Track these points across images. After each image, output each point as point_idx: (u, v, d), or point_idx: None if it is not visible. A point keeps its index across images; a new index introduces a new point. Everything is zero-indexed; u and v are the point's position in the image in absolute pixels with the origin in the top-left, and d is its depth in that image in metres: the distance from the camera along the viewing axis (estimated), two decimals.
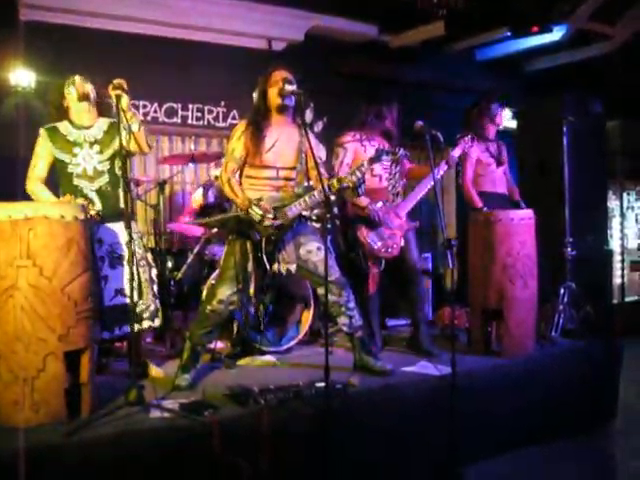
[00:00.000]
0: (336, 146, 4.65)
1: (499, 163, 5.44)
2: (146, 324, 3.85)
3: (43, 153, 3.80)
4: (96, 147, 3.82)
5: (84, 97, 3.79)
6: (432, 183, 4.55)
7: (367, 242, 4.53)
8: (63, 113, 3.86)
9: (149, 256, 4.00)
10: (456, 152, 4.74)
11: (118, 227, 3.78)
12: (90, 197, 3.78)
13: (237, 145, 3.88)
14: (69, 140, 3.81)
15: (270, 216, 3.80)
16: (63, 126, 3.84)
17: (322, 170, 3.77)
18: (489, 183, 5.45)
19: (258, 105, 3.93)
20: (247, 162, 3.91)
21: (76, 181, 3.79)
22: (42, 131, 3.81)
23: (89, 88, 3.79)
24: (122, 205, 3.75)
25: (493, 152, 5.46)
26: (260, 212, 3.77)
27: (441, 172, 4.67)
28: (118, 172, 3.85)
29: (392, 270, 4.63)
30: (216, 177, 5.27)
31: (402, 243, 4.60)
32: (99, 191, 3.81)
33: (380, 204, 4.57)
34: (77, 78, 3.79)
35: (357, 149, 4.59)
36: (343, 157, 4.57)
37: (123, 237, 3.77)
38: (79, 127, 3.84)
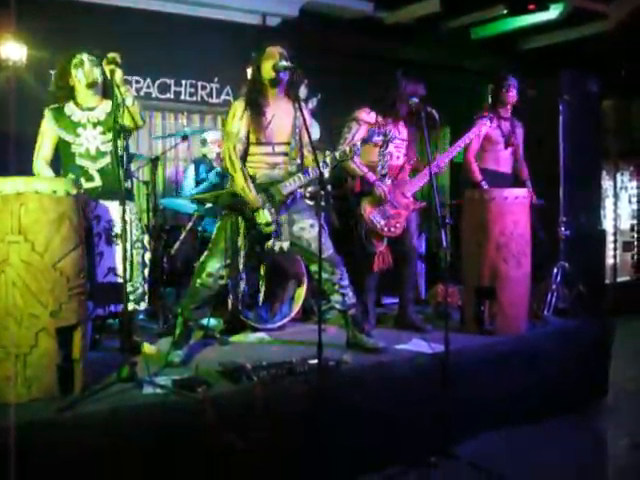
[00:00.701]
0: (352, 120, 4.59)
1: (507, 144, 5.38)
2: (131, 306, 3.84)
3: (48, 133, 3.81)
4: (99, 128, 3.82)
5: (92, 84, 3.78)
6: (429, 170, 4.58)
7: (370, 220, 4.51)
8: (68, 93, 3.84)
9: (145, 238, 3.99)
10: (471, 134, 4.74)
11: (117, 205, 3.76)
12: (93, 176, 3.78)
13: (240, 125, 3.81)
14: (73, 120, 3.81)
15: (273, 227, 3.79)
16: (67, 107, 3.83)
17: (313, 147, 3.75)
18: (493, 161, 5.41)
19: (253, 80, 3.88)
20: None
21: (79, 161, 3.80)
22: (47, 112, 3.82)
23: (97, 73, 3.74)
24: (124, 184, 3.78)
25: (505, 131, 5.38)
26: (268, 219, 3.76)
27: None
28: (120, 152, 3.83)
29: (392, 248, 4.64)
30: (218, 155, 5.23)
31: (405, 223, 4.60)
32: (101, 171, 3.81)
33: (388, 181, 4.55)
34: (86, 62, 3.74)
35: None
36: (355, 132, 4.51)
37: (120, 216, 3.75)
38: (83, 108, 3.84)
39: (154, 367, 3.54)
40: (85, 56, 3.75)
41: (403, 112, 4.57)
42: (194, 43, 6.41)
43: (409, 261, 4.69)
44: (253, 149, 3.87)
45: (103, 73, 3.54)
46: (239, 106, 3.84)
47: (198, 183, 5.46)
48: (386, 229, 4.53)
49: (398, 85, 4.55)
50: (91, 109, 3.84)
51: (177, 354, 3.77)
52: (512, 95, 5.36)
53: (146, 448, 2.85)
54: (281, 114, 3.89)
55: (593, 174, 7.18)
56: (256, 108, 3.81)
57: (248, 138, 3.85)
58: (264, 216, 3.77)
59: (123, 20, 6.10)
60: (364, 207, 4.54)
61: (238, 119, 3.82)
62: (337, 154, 3.87)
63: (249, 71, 3.95)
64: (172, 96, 6.56)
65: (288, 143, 3.91)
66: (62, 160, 3.84)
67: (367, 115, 4.56)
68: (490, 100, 5.44)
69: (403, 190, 4.61)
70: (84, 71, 3.76)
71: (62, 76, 3.84)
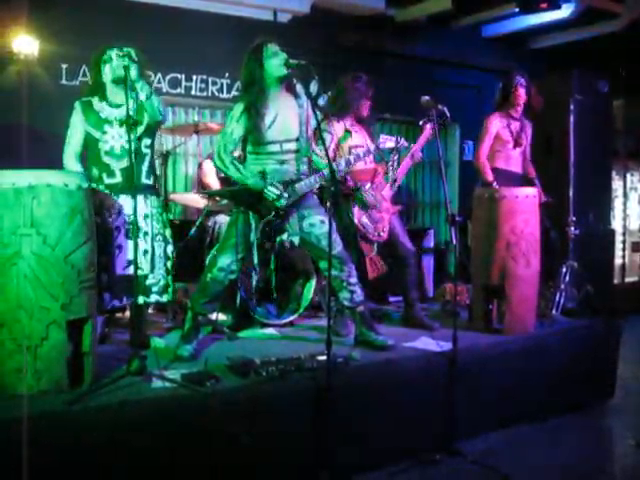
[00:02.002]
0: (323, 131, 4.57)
1: (516, 144, 5.37)
2: (153, 298, 3.86)
3: (77, 127, 3.84)
4: (125, 126, 3.81)
5: (118, 81, 3.77)
6: (410, 162, 4.64)
7: (361, 225, 4.51)
8: (98, 88, 3.86)
9: (167, 232, 4.01)
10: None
11: (138, 200, 3.76)
12: (115, 173, 3.81)
13: (236, 127, 3.81)
14: (101, 117, 3.83)
15: (286, 195, 3.79)
16: (96, 101, 3.85)
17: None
18: (503, 160, 5.38)
19: (254, 78, 3.82)
20: (250, 141, 3.87)
21: (105, 158, 3.82)
22: (77, 104, 3.85)
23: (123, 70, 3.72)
24: (144, 180, 3.86)
25: (514, 131, 5.35)
26: (276, 192, 3.76)
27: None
28: (144, 150, 3.90)
29: (385, 253, 4.64)
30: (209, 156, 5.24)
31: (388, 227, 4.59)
32: (124, 169, 3.81)
33: (368, 186, 4.54)
34: (114, 58, 3.74)
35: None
36: (330, 142, 4.48)
37: (141, 210, 3.79)
38: (112, 105, 3.85)
39: (163, 361, 3.56)
40: (114, 52, 3.74)
41: (362, 112, 4.60)
42: (205, 38, 6.42)
43: (406, 262, 4.69)
44: (261, 149, 3.86)
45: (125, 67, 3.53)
46: (238, 109, 3.83)
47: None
48: (375, 234, 4.53)
49: (347, 88, 4.58)
50: (119, 106, 3.83)
51: (186, 348, 3.78)
52: (521, 95, 5.31)
53: (155, 441, 2.87)
54: (284, 112, 3.88)
55: (603, 174, 7.14)
56: (257, 112, 3.78)
57: (243, 140, 3.86)
58: (271, 191, 3.76)
59: (134, 15, 6.10)
60: (354, 212, 4.53)
61: (235, 121, 3.82)
62: (352, 158, 3.92)
63: (245, 70, 3.86)
64: (183, 91, 6.56)
65: (296, 139, 3.91)
66: (87, 154, 3.87)
67: (336, 124, 4.55)
68: (499, 100, 5.39)
69: (382, 193, 4.60)
70: (111, 67, 3.78)
71: (94, 72, 3.87)
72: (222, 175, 5.06)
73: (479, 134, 5.38)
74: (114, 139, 3.82)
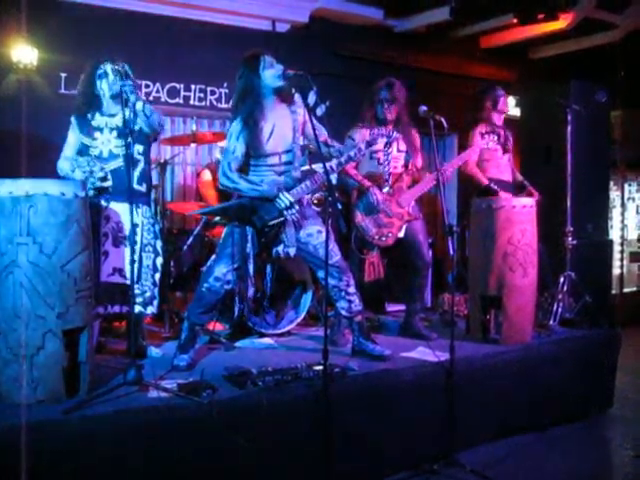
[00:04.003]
0: (347, 137, 4.62)
1: (505, 150, 5.44)
2: (137, 309, 3.84)
3: (72, 140, 3.92)
4: (114, 132, 3.87)
5: (116, 95, 3.79)
6: (436, 177, 4.55)
7: (361, 227, 4.51)
8: (92, 100, 3.90)
9: (158, 243, 4.01)
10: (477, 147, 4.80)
11: (128, 208, 3.77)
12: (106, 177, 3.81)
13: (237, 145, 3.81)
14: (93, 125, 3.88)
15: (297, 206, 3.80)
16: (91, 114, 3.90)
17: (324, 150, 3.77)
18: (494, 169, 5.45)
19: (251, 89, 3.83)
20: (249, 153, 3.86)
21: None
22: (72, 119, 3.91)
23: (120, 83, 3.71)
24: (135, 185, 3.86)
25: (501, 138, 5.46)
26: (290, 199, 3.77)
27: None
28: (137, 156, 3.91)
29: (399, 258, 4.63)
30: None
31: (401, 234, 4.57)
32: (114, 172, 3.83)
33: (386, 189, 4.55)
34: (110, 73, 3.78)
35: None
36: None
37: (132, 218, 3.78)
38: (104, 114, 3.90)
39: (160, 371, 3.55)
40: (109, 67, 3.79)
41: (391, 118, 4.59)
42: (204, 48, 6.43)
43: (420, 273, 4.68)
44: (260, 161, 3.87)
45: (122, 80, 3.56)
46: (236, 127, 3.83)
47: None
48: (377, 237, 4.51)
49: (374, 96, 4.60)
50: (112, 115, 3.89)
51: (183, 358, 3.77)
52: (504, 104, 5.55)
53: (151, 451, 2.86)
54: (281, 122, 3.88)
55: (601, 184, 7.15)
56: (256, 122, 3.79)
57: (245, 155, 3.85)
58: (284, 199, 3.77)
59: (133, 25, 6.12)
60: (356, 214, 4.54)
61: (235, 140, 3.82)
62: (343, 159, 3.88)
63: (241, 81, 3.86)
64: (181, 101, 6.57)
65: (291, 149, 3.92)
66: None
67: (360, 130, 4.58)
68: (483, 110, 5.50)
69: (399, 199, 4.59)
70: (108, 82, 3.82)
71: (87, 85, 3.89)
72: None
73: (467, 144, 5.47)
74: (103, 144, 3.86)
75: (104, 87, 3.85)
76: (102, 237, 3.77)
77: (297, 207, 3.81)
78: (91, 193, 3.65)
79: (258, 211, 3.78)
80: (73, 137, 3.90)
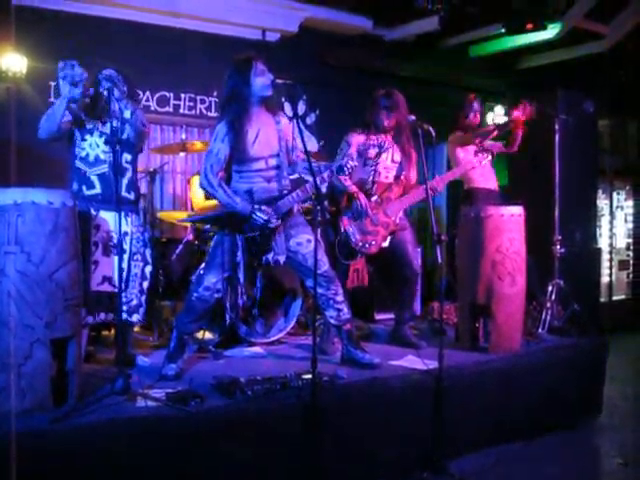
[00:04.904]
0: (343, 141, 4.65)
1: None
2: (122, 316, 3.83)
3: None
4: (103, 137, 3.88)
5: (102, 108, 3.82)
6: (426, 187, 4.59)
7: (345, 233, 4.51)
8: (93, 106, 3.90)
9: (147, 252, 4.01)
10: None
11: (117, 218, 3.77)
12: (93, 183, 3.84)
13: (221, 147, 3.81)
14: (87, 127, 3.89)
15: (274, 220, 3.80)
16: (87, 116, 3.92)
17: (312, 161, 3.77)
18: (480, 177, 5.50)
19: (238, 93, 3.82)
20: (234, 158, 3.87)
21: (78, 164, 3.88)
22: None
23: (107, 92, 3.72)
24: (124, 193, 3.89)
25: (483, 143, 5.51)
26: (265, 217, 3.77)
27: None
28: (124, 164, 3.92)
29: (388, 267, 4.64)
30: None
31: (386, 243, 4.58)
32: (101, 177, 3.86)
33: (374, 198, 4.56)
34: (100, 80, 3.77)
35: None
36: (347, 151, 4.54)
37: (121, 227, 3.77)
38: (96, 118, 3.90)
39: (148, 380, 3.54)
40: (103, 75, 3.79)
41: (388, 125, 4.60)
42: (194, 57, 6.45)
43: (409, 283, 4.69)
44: (246, 166, 3.87)
45: (108, 89, 3.57)
46: (222, 129, 3.83)
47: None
48: (360, 244, 4.51)
49: (374, 103, 4.60)
50: (104, 122, 3.89)
51: (171, 367, 3.77)
52: (476, 115, 5.70)
53: (139, 461, 2.85)
54: (266, 127, 3.89)
55: (589, 193, 7.20)
56: (241, 126, 3.79)
57: (229, 159, 3.86)
58: (260, 216, 3.77)
59: (123, 33, 6.12)
60: (343, 219, 4.54)
61: (220, 141, 3.82)
62: (334, 167, 3.88)
63: (230, 83, 3.86)
64: (171, 109, 6.58)
65: (277, 155, 3.92)
66: (69, 161, 3.93)
67: (357, 136, 4.60)
68: (465, 120, 5.61)
69: (386, 209, 4.60)
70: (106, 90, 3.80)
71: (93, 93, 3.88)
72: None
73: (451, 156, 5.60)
74: (91, 147, 3.87)
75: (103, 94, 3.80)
76: (92, 246, 3.78)
77: (274, 218, 3.80)
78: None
79: (248, 219, 3.79)
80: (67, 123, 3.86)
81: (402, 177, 4.68)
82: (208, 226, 4.97)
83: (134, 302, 3.91)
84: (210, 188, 3.82)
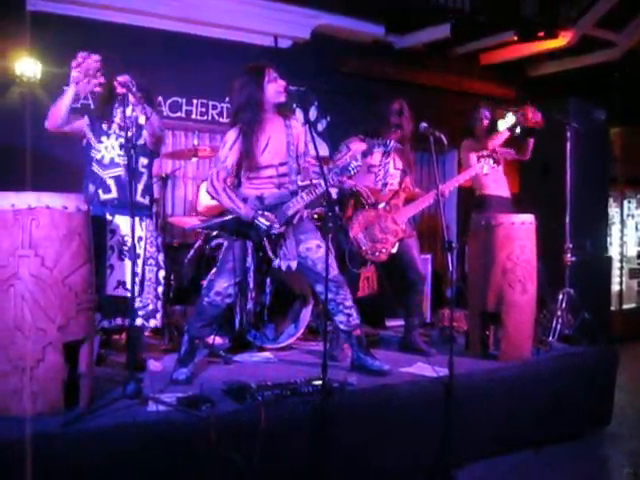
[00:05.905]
0: (342, 145, 4.65)
1: (496, 161, 5.47)
2: (139, 322, 3.86)
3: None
4: (120, 140, 3.88)
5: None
6: (435, 195, 4.56)
7: (356, 240, 4.52)
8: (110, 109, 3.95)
9: (160, 257, 4.02)
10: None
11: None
12: (109, 187, 3.86)
13: (229, 154, 3.84)
14: (103, 129, 3.91)
15: (277, 226, 3.81)
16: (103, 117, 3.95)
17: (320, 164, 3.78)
18: (492, 184, 5.49)
19: (251, 100, 3.83)
20: (245, 166, 3.89)
21: (94, 167, 3.90)
22: (86, 117, 3.96)
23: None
24: (139, 198, 3.90)
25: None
26: (267, 223, 3.78)
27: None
28: (140, 169, 3.94)
29: (395, 273, 4.65)
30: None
31: (394, 250, 4.59)
32: (116, 180, 3.87)
33: (382, 205, 4.57)
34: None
35: None
36: (345, 153, 4.53)
37: (136, 232, 3.79)
38: (108, 114, 3.93)
39: (159, 384, 3.56)
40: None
41: (393, 133, 4.61)
42: (206, 63, 6.47)
43: (416, 287, 4.69)
44: (258, 173, 3.89)
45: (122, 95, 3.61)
46: (232, 136, 3.85)
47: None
48: (370, 252, 4.52)
49: (379, 111, 4.63)
50: (120, 127, 3.90)
51: (182, 372, 3.78)
52: (485, 122, 5.73)
53: (149, 465, 2.86)
54: (276, 135, 3.91)
55: (600, 201, 7.18)
56: (252, 135, 3.81)
57: (237, 166, 3.88)
58: (263, 222, 3.78)
59: (136, 39, 6.15)
60: (352, 227, 4.54)
61: (228, 149, 3.84)
62: (338, 168, 3.89)
63: (243, 90, 3.86)
64: (183, 115, 6.60)
65: (287, 162, 3.93)
66: (84, 166, 3.94)
67: (358, 142, 4.57)
68: (476, 128, 5.64)
69: (395, 216, 4.62)
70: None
71: (107, 92, 3.90)
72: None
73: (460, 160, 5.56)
74: (107, 149, 3.89)
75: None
76: (108, 251, 3.81)
77: (277, 224, 3.81)
78: None
79: (253, 225, 3.81)
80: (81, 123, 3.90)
81: (404, 184, 4.69)
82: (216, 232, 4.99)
83: (150, 307, 3.92)
84: (215, 194, 3.84)
